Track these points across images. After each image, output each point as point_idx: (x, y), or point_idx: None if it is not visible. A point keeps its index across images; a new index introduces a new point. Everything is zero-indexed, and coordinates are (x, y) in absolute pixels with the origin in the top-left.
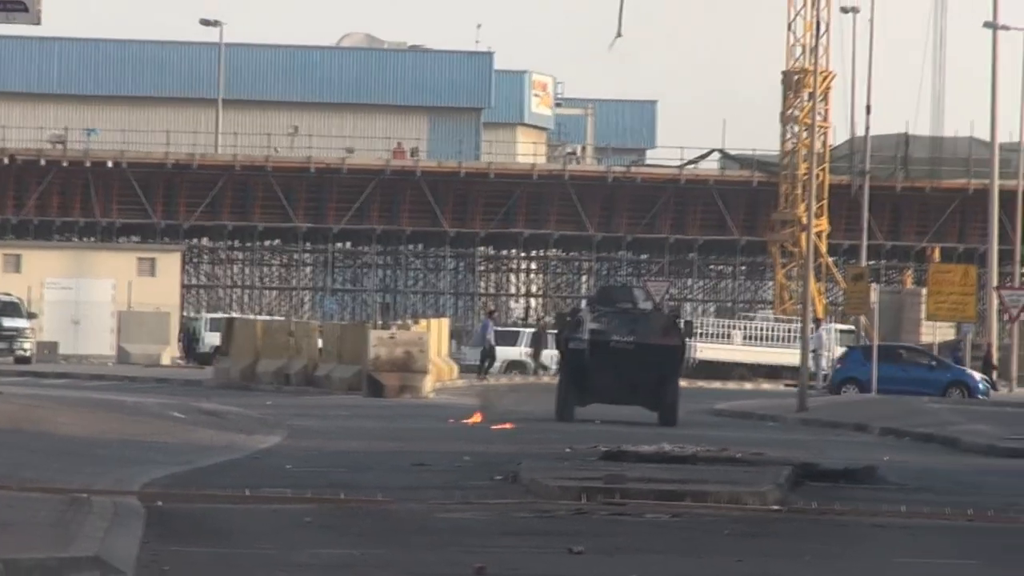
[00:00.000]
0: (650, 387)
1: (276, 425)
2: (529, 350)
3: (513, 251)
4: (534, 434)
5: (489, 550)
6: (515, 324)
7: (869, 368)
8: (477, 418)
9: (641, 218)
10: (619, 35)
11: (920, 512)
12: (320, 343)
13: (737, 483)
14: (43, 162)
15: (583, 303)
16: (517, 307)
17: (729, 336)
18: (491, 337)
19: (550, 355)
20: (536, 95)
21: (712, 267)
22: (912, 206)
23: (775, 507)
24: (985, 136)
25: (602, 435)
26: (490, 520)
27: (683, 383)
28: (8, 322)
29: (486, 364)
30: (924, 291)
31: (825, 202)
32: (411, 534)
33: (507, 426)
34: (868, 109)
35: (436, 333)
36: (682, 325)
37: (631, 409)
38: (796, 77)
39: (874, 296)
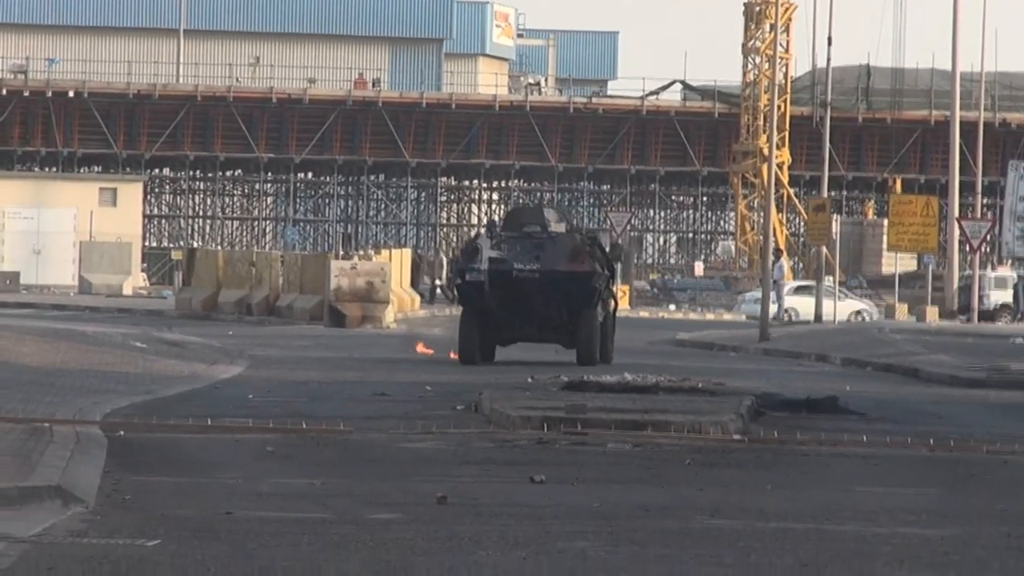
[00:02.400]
0: (563, 321)
1: (238, 355)
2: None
3: (475, 182)
4: (494, 364)
5: (450, 479)
6: None
7: None
8: (425, 350)
9: (603, 149)
10: None
11: (881, 442)
12: (281, 273)
13: (699, 413)
14: (4, 91)
15: (483, 228)
16: None
17: None
18: None
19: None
20: (498, 26)
21: (674, 198)
22: (873, 137)
23: (736, 437)
24: (947, 67)
25: (562, 368)
26: (451, 450)
27: (644, 313)
28: None
29: None
30: (885, 222)
31: (786, 133)
32: (372, 463)
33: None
34: (829, 40)
35: (398, 264)
36: (607, 248)
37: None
38: (757, 8)
39: (835, 227)
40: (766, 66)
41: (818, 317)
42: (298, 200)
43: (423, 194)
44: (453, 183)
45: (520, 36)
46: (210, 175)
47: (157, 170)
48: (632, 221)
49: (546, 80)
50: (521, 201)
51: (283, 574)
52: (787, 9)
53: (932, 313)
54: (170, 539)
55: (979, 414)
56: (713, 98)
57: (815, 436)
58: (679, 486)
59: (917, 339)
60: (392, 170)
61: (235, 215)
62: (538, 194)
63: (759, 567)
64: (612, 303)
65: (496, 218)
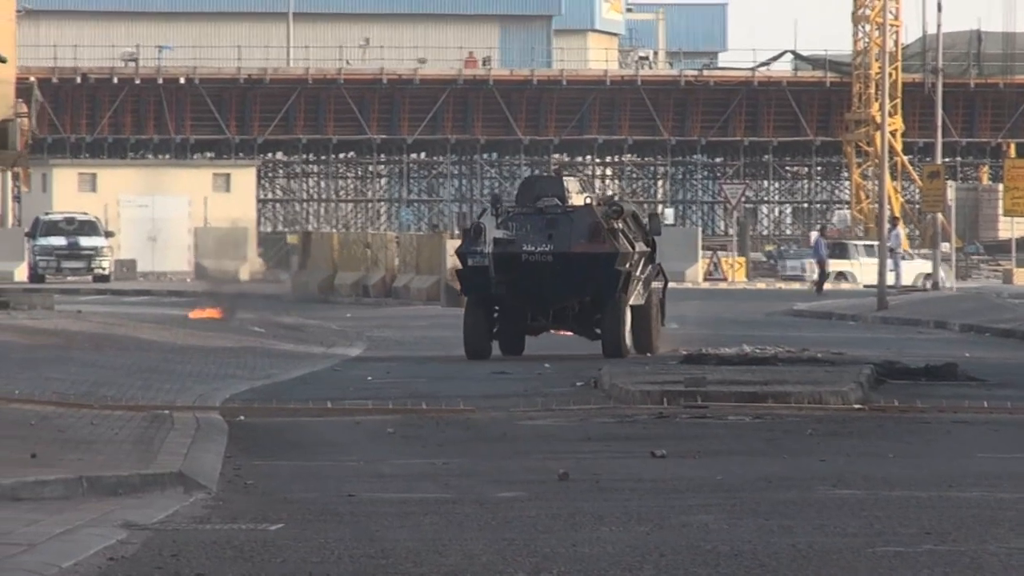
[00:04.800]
0: (583, 310)
1: (356, 337)
2: None
3: (588, 157)
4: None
5: (572, 456)
6: None
7: None
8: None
9: (715, 121)
10: None
11: (1003, 407)
12: (397, 254)
13: (818, 383)
14: (116, 80)
15: (488, 203)
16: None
17: None
18: (824, 253)
19: None
20: (606, 1)
21: (788, 168)
22: (986, 102)
23: (857, 406)
24: None
25: (593, 360)
26: (572, 426)
27: (761, 285)
28: (86, 241)
29: (821, 280)
30: (1001, 187)
31: (899, 101)
32: (494, 442)
33: (570, 333)
34: (939, 6)
35: None
36: (643, 220)
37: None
38: None
39: (950, 193)
40: (876, 34)
41: (935, 284)
42: (411, 180)
43: (537, 171)
44: (566, 159)
45: (629, 10)
46: (323, 158)
47: (270, 154)
48: (746, 192)
49: (656, 54)
50: (635, 176)
51: (407, 555)
52: None
53: None
54: (293, 523)
55: None
56: (824, 67)
57: (936, 403)
58: (801, 457)
59: None
60: (505, 148)
61: (349, 197)
62: (652, 168)
63: (884, 536)
64: (662, 282)
65: (501, 192)
